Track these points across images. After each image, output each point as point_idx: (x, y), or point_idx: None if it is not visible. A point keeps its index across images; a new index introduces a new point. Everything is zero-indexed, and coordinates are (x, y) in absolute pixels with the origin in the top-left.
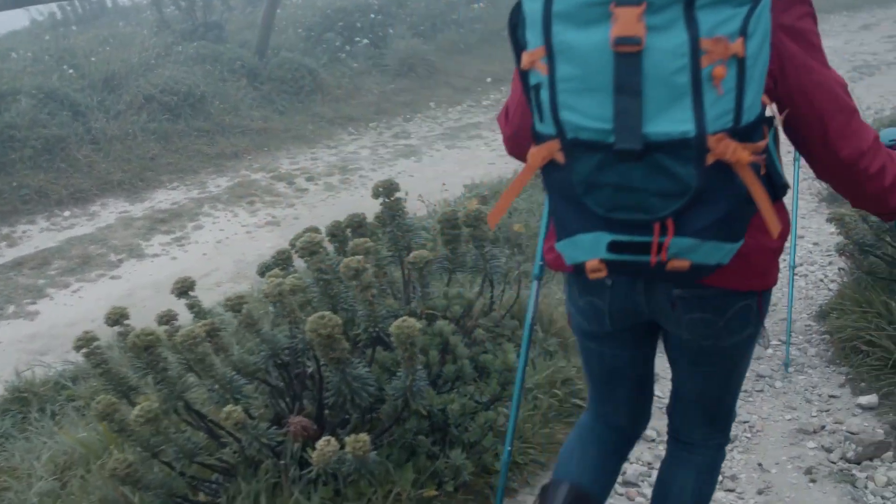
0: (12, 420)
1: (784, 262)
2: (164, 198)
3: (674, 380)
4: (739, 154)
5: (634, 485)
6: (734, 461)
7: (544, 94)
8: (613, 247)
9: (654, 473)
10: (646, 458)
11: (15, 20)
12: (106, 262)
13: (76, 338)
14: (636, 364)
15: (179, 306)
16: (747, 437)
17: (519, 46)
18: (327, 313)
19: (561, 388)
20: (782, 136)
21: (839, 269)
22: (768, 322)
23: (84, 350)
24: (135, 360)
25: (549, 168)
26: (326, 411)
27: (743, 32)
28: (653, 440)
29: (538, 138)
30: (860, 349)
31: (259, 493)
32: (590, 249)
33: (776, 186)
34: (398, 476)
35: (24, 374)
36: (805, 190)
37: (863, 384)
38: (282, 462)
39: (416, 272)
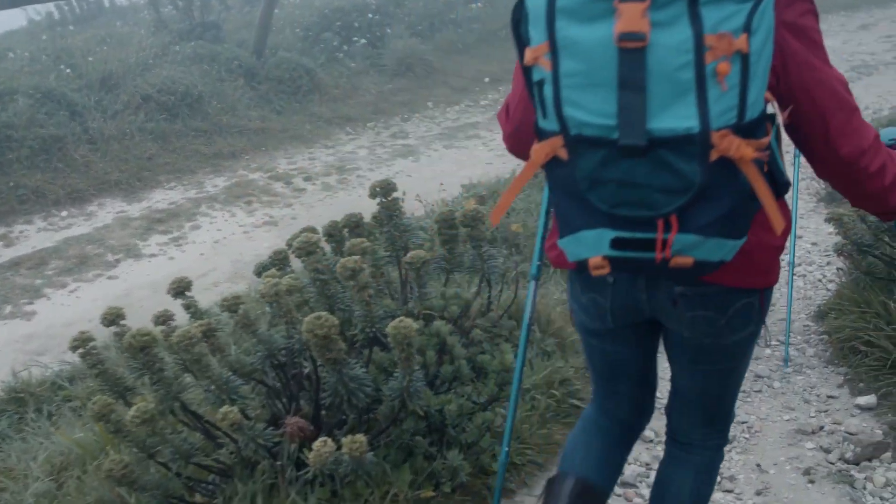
0: (9, 421)
1: (783, 260)
2: (161, 198)
3: (673, 379)
4: (743, 150)
5: (632, 485)
6: (732, 462)
7: (547, 90)
8: (616, 243)
9: (653, 474)
10: (644, 458)
11: (12, 20)
12: (103, 262)
13: (72, 338)
14: (638, 360)
15: (176, 306)
16: (745, 438)
17: (522, 42)
18: (324, 314)
19: (559, 389)
20: (783, 135)
21: (837, 269)
22: (767, 321)
23: (80, 350)
24: (131, 361)
25: (552, 164)
26: (323, 412)
27: (747, 28)
28: (651, 441)
29: (541, 134)
30: (858, 349)
31: (255, 494)
32: (593, 246)
33: (778, 183)
34: (395, 477)
35: (21, 375)
36: (803, 190)
37: (861, 384)
38: (278, 463)
39: (413, 272)
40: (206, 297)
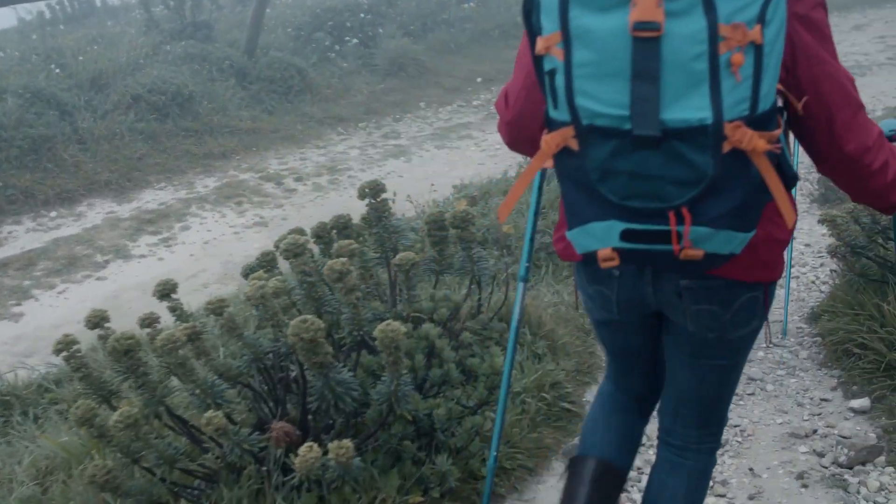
0: None
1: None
2: (151, 198)
3: (670, 377)
4: (756, 142)
5: (624, 490)
6: (725, 466)
7: (559, 80)
8: (627, 235)
9: (644, 478)
10: (636, 462)
11: (3, 19)
12: (92, 263)
13: (56, 341)
14: (647, 347)
15: (164, 309)
16: (738, 442)
17: (533, 31)
18: (310, 317)
19: (549, 392)
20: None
21: (831, 270)
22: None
23: (64, 354)
24: (115, 364)
25: (562, 155)
26: (310, 416)
27: (761, 20)
28: (643, 445)
29: (552, 125)
30: (852, 352)
31: (241, 500)
32: (602, 238)
33: (787, 176)
34: (383, 482)
35: (7, 377)
36: (797, 190)
37: (855, 387)
38: (264, 468)
39: (402, 274)
40: (196, 298)
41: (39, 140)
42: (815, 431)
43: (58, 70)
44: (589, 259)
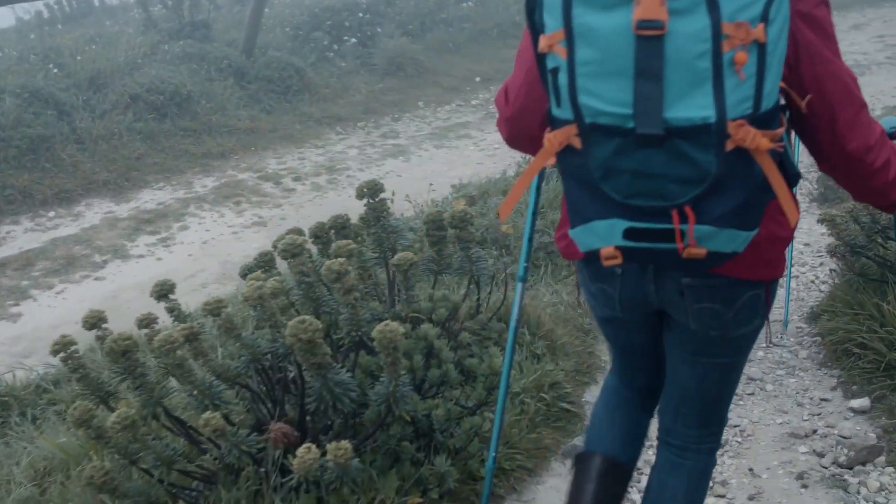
0: None
1: None
2: (149, 198)
3: (671, 376)
4: (759, 141)
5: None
6: (724, 466)
7: (562, 78)
8: (630, 233)
9: (643, 479)
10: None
11: (1, 19)
12: (90, 263)
13: (53, 342)
14: (650, 345)
15: (163, 309)
16: (738, 442)
17: (535, 29)
18: (308, 318)
19: (548, 392)
20: None
21: (830, 270)
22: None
23: (61, 355)
24: (112, 365)
25: (565, 153)
26: (308, 417)
27: (764, 18)
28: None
29: (554, 123)
30: (852, 351)
31: (240, 501)
32: (605, 236)
33: (789, 174)
34: (382, 483)
35: (5, 378)
36: (797, 189)
37: (854, 387)
38: (262, 469)
39: (400, 274)
40: (194, 298)
41: (37, 140)
42: (814, 431)
43: (56, 70)
44: (591, 257)
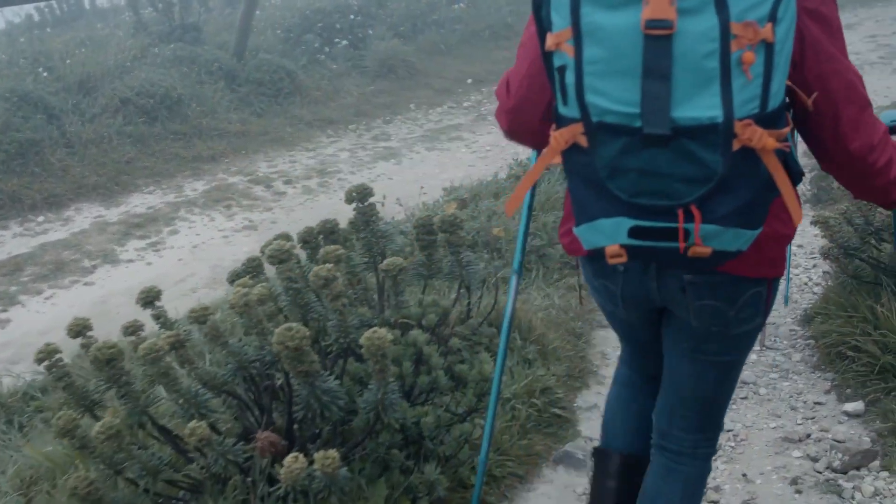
0: None
1: None
2: (139, 202)
3: (668, 377)
4: (766, 140)
5: None
6: (718, 471)
7: (569, 77)
8: (635, 232)
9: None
10: None
11: None
12: (80, 268)
13: (38, 350)
14: (656, 337)
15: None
16: (731, 447)
17: (542, 27)
18: (295, 325)
19: (540, 398)
20: None
21: (824, 272)
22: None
23: (46, 363)
24: (97, 374)
25: (571, 151)
26: (296, 426)
27: (772, 18)
28: None
29: (560, 121)
30: (846, 354)
31: None
32: (610, 235)
33: (793, 173)
34: (371, 492)
35: None
36: None
37: (848, 390)
38: (249, 479)
39: (390, 279)
40: (184, 303)
41: (26, 144)
42: (808, 436)
43: (45, 73)
44: (595, 254)
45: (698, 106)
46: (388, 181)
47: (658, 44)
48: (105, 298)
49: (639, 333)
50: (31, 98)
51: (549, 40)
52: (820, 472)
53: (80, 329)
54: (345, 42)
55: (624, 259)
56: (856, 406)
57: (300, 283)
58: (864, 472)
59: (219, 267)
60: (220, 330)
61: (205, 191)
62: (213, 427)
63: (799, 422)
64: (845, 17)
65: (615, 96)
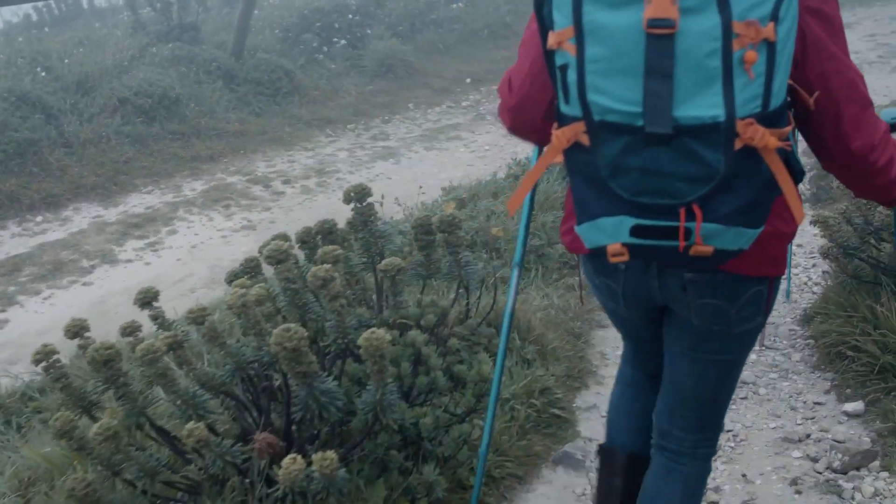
0: None
1: None
2: (138, 202)
3: (668, 377)
4: (767, 139)
5: None
6: (717, 472)
7: (571, 76)
8: (637, 231)
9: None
10: None
11: None
12: (78, 269)
13: (35, 351)
14: (657, 335)
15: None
16: (731, 447)
17: (544, 25)
18: (293, 326)
19: (539, 398)
20: None
21: (823, 272)
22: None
23: (43, 364)
24: (95, 375)
25: (573, 150)
26: (294, 427)
27: (774, 17)
28: None
29: (562, 120)
30: (845, 354)
31: None
32: (612, 233)
33: (794, 171)
34: (369, 493)
35: None
36: None
37: (848, 390)
38: (247, 480)
39: (388, 280)
40: (183, 303)
41: (25, 144)
42: (808, 436)
43: (43, 73)
44: (596, 252)
45: (700, 105)
46: (386, 181)
47: (660, 43)
48: (103, 299)
49: (640, 331)
50: (29, 98)
51: (551, 39)
52: (820, 473)
53: (77, 330)
54: (343, 42)
55: (626, 257)
56: (856, 406)
57: (298, 284)
58: (864, 472)
59: (217, 267)
60: (218, 330)
61: (203, 191)
62: (211, 428)
63: (799, 422)
64: (844, 17)
65: (617, 95)
